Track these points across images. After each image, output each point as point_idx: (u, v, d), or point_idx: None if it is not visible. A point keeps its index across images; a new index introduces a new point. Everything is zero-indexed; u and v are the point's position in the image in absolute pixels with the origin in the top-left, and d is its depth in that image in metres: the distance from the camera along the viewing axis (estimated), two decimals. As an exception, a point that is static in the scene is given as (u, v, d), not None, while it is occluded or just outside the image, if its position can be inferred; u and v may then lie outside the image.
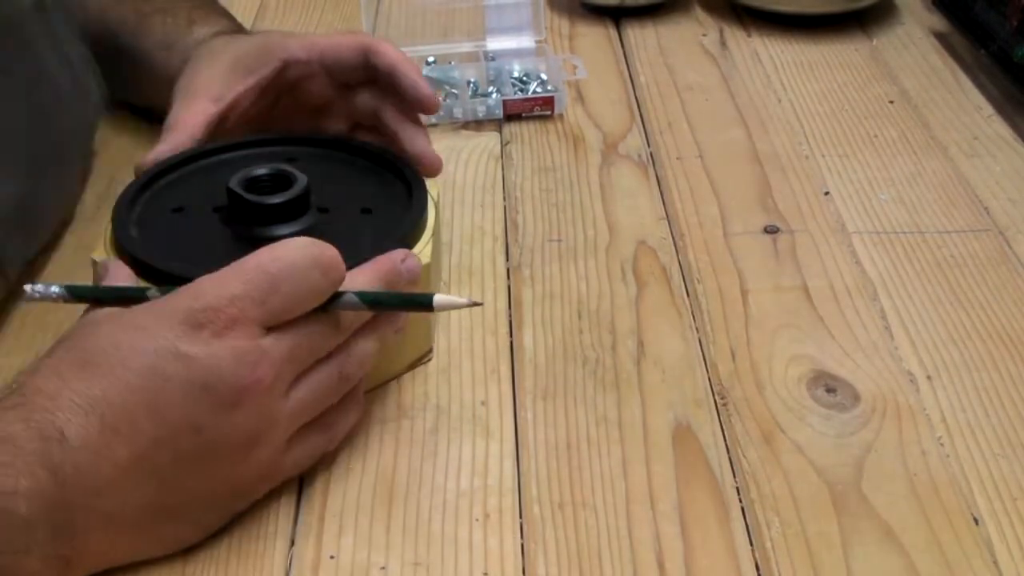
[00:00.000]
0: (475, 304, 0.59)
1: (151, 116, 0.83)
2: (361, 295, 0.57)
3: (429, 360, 0.69)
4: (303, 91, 0.75)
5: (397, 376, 0.68)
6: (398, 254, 0.61)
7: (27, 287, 0.59)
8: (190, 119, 0.72)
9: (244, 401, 0.54)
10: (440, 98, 0.95)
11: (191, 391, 0.53)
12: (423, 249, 0.67)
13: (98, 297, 0.59)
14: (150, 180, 0.69)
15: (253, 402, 0.54)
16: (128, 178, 0.70)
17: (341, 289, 0.57)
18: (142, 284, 0.61)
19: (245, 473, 0.56)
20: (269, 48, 0.75)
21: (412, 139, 0.72)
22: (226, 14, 0.86)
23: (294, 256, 0.55)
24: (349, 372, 0.59)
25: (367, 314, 0.59)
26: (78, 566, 0.53)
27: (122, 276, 0.60)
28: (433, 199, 0.71)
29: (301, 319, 0.56)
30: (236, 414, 0.54)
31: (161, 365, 0.53)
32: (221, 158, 0.72)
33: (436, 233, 0.69)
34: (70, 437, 0.51)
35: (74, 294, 0.59)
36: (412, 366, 0.69)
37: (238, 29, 0.84)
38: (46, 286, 0.59)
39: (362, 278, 0.58)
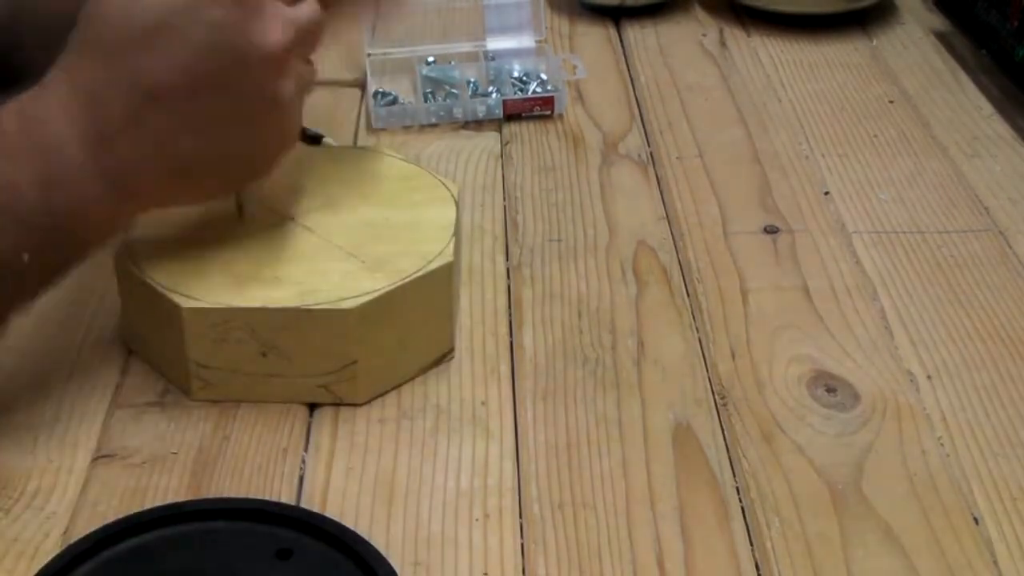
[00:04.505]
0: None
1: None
2: None
3: (451, 359, 0.69)
4: None
5: (418, 375, 0.68)
6: None
7: None
8: None
9: (259, 58, 0.60)
10: (440, 98, 0.95)
11: (216, 50, 0.59)
12: (445, 247, 0.67)
13: None
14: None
15: (268, 57, 0.61)
16: None
17: None
18: None
19: (267, 127, 0.63)
20: None
21: None
22: None
23: None
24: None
25: None
26: (130, 200, 0.61)
27: None
28: (454, 198, 0.71)
29: None
30: (255, 67, 0.60)
31: (198, 35, 0.59)
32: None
33: (457, 233, 0.70)
34: (110, 108, 0.59)
35: None
36: (434, 364, 0.69)
37: None
38: None
39: None
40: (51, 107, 0.59)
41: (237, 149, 0.63)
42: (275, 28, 0.60)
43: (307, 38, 0.64)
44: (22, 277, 0.60)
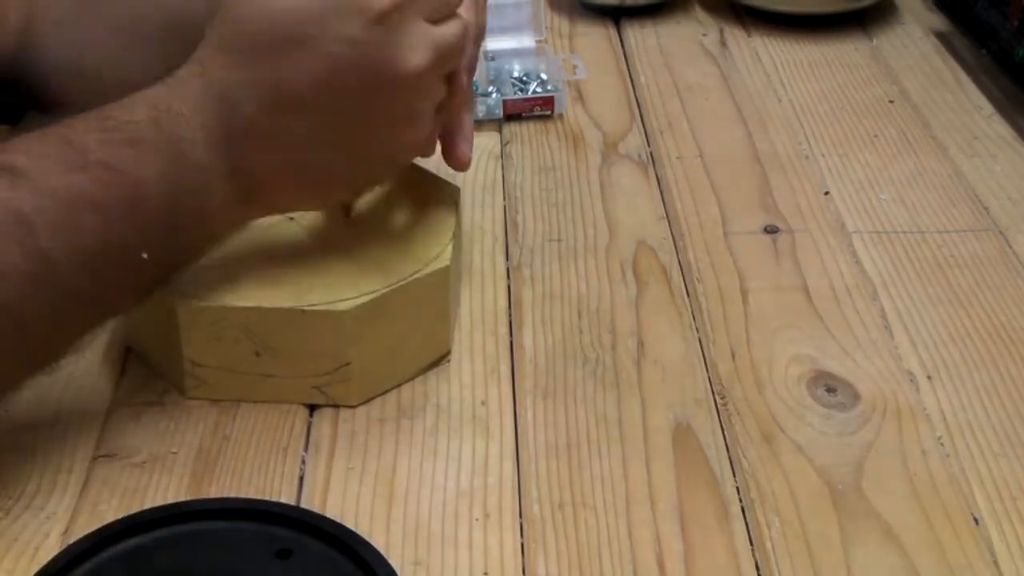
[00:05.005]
0: None
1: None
2: None
3: (448, 362, 0.69)
4: None
5: (413, 377, 0.68)
6: None
7: None
8: None
9: (406, 80, 0.60)
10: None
11: (354, 68, 0.59)
12: (443, 251, 0.67)
13: None
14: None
15: (413, 80, 0.60)
16: None
17: None
18: None
19: (402, 141, 0.63)
20: None
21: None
22: None
23: None
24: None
25: None
26: (252, 203, 0.61)
27: None
28: (454, 200, 0.71)
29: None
30: (397, 91, 0.60)
31: (338, 50, 0.58)
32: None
33: (457, 236, 0.70)
34: (241, 111, 0.58)
35: None
36: (430, 367, 0.69)
37: None
38: None
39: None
40: (185, 101, 0.58)
41: (366, 162, 0.63)
42: (416, 49, 0.59)
43: (448, 59, 0.63)
44: (140, 272, 0.59)
